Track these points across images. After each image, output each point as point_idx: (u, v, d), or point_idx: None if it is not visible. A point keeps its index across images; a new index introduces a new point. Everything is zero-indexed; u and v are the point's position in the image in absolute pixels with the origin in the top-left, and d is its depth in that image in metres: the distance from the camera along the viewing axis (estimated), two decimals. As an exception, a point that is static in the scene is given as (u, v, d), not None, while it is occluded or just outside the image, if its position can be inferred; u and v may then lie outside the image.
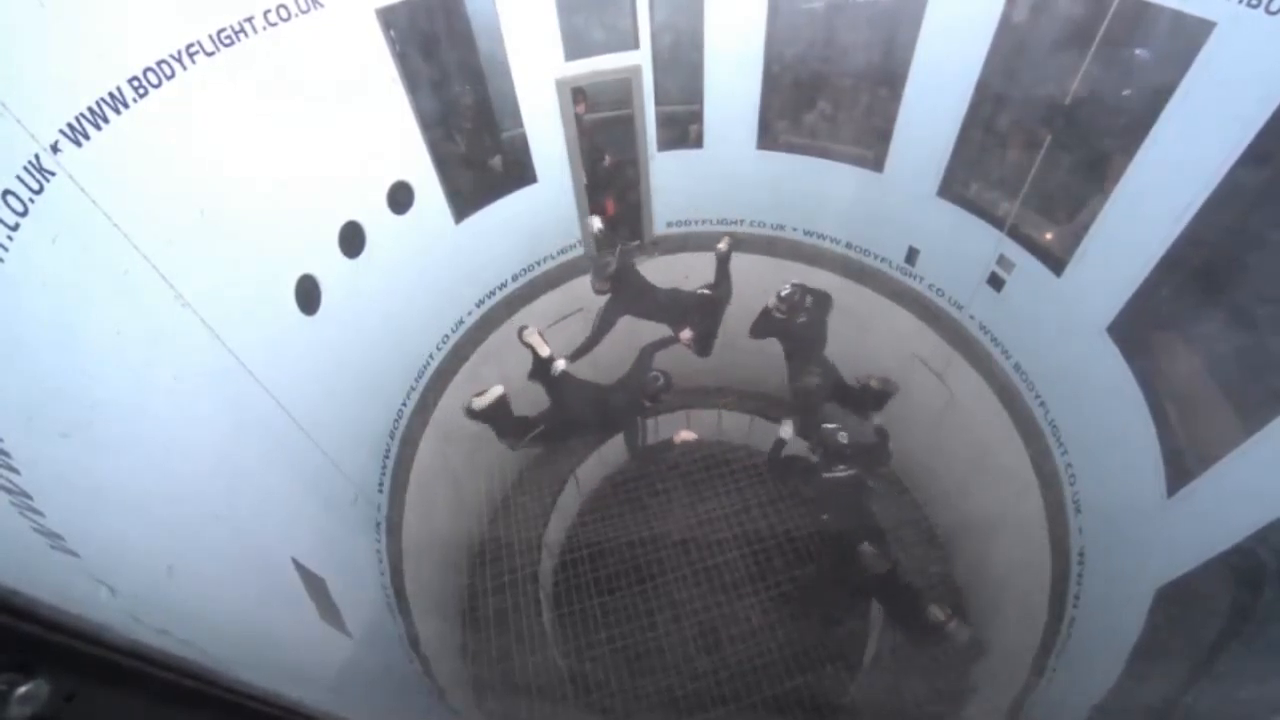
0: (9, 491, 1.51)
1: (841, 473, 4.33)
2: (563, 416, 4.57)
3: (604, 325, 4.93)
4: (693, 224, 5.72)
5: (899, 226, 4.93)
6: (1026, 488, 4.26)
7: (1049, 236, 4.00)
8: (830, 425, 4.41)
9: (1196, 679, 2.73)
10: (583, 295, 5.64)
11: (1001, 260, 4.24)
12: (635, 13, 4.40)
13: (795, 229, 5.57)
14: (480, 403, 4.32)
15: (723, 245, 4.89)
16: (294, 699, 1.28)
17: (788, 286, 4.62)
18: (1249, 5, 2.57)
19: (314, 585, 2.89)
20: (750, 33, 4.51)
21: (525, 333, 4.47)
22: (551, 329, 5.61)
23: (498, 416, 4.44)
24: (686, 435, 4.48)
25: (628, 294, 4.92)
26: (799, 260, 5.59)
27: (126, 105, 2.26)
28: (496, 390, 4.37)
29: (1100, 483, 3.75)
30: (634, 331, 5.03)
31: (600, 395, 4.52)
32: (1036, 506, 4.18)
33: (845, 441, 4.32)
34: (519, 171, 4.87)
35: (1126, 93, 3.43)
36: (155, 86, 2.38)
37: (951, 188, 4.43)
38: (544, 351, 4.39)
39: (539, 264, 5.42)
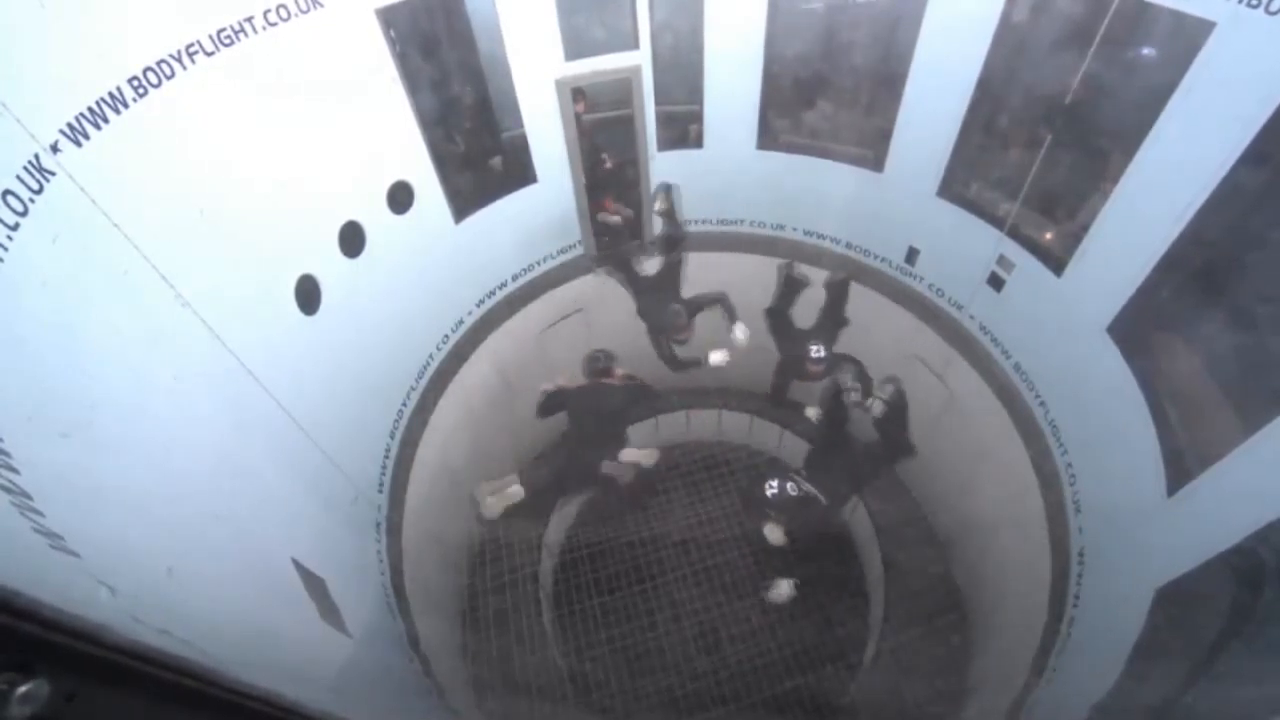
0: (9, 491, 1.51)
1: (813, 491, 4.29)
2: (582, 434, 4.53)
3: (727, 305, 4.89)
4: (693, 224, 5.70)
5: (899, 226, 4.93)
6: (1026, 488, 4.26)
7: (1049, 236, 4.00)
8: (781, 486, 4.30)
9: (1196, 679, 2.73)
10: (583, 295, 5.64)
11: (1001, 260, 4.24)
12: (635, 13, 4.39)
13: (795, 229, 5.56)
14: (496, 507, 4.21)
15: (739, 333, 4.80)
16: (294, 699, 1.28)
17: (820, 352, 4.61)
18: (1249, 5, 2.57)
19: (314, 585, 2.90)
20: (750, 33, 4.51)
21: (485, 509, 4.26)
22: (551, 329, 5.63)
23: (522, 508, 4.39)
24: (718, 357, 4.44)
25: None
26: (799, 260, 5.59)
27: (126, 105, 2.26)
28: (516, 491, 4.24)
29: (1100, 483, 3.75)
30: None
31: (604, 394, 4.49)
32: (1036, 506, 4.18)
33: (815, 491, 4.27)
34: (519, 171, 4.86)
35: (1126, 93, 3.43)
36: (155, 86, 2.37)
37: (951, 188, 4.42)
38: (515, 498, 4.23)
39: (539, 264, 5.41)
